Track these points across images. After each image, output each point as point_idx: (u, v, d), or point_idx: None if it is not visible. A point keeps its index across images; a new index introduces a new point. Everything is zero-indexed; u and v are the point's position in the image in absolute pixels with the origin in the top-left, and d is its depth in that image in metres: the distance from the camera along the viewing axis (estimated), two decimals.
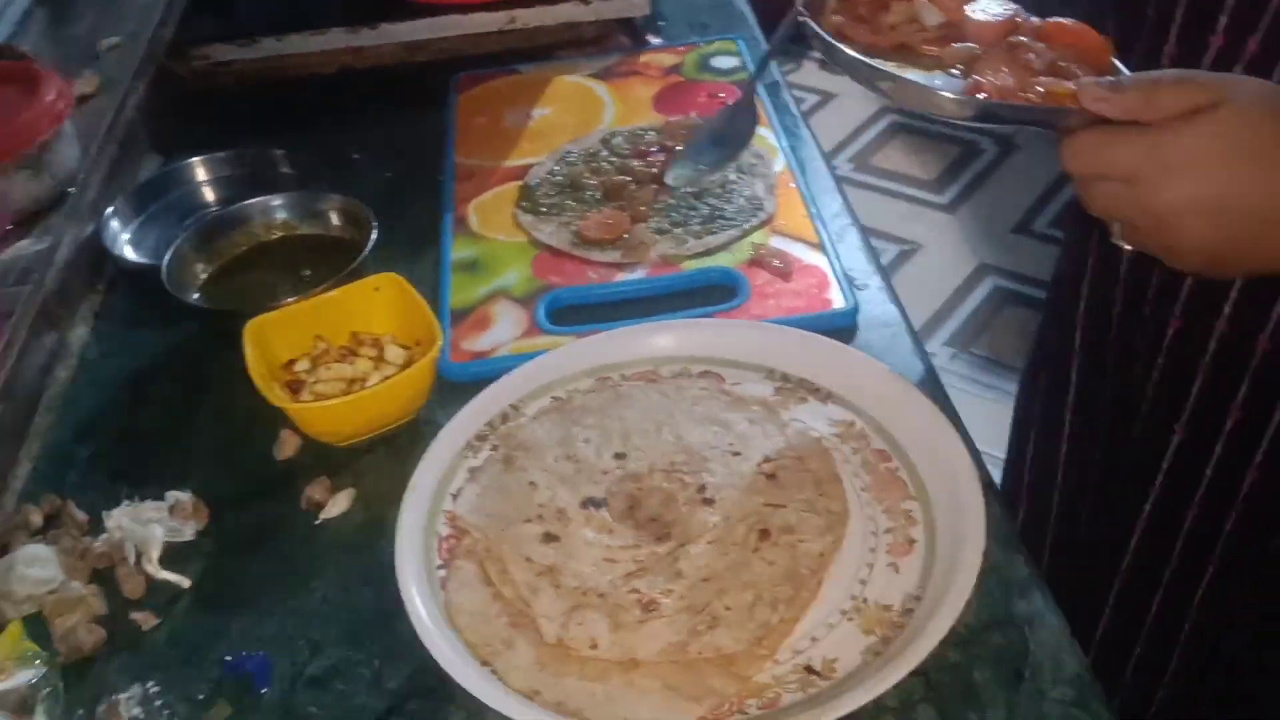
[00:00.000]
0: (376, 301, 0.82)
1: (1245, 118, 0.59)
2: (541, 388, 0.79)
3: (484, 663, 0.62)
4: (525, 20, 1.19)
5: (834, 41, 0.66)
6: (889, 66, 0.64)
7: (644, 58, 1.17)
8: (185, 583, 0.70)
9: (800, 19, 0.69)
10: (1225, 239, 0.59)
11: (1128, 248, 0.62)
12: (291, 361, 0.80)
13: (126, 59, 1.12)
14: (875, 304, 0.84)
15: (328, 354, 0.80)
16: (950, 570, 0.62)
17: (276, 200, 0.93)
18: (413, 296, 0.80)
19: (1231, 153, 0.58)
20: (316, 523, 0.73)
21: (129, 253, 0.97)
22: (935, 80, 0.64)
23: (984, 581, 0.62)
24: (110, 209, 0.98)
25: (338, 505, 0.73)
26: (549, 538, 0.67)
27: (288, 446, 0.77)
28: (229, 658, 0.65)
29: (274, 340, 0.80)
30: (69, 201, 0.96)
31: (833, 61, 0.67)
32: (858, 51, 0.65)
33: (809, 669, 0.60)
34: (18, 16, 1.19)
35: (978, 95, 0.62)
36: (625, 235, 0.91)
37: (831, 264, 0.86)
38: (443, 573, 0.67)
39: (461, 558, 0.68)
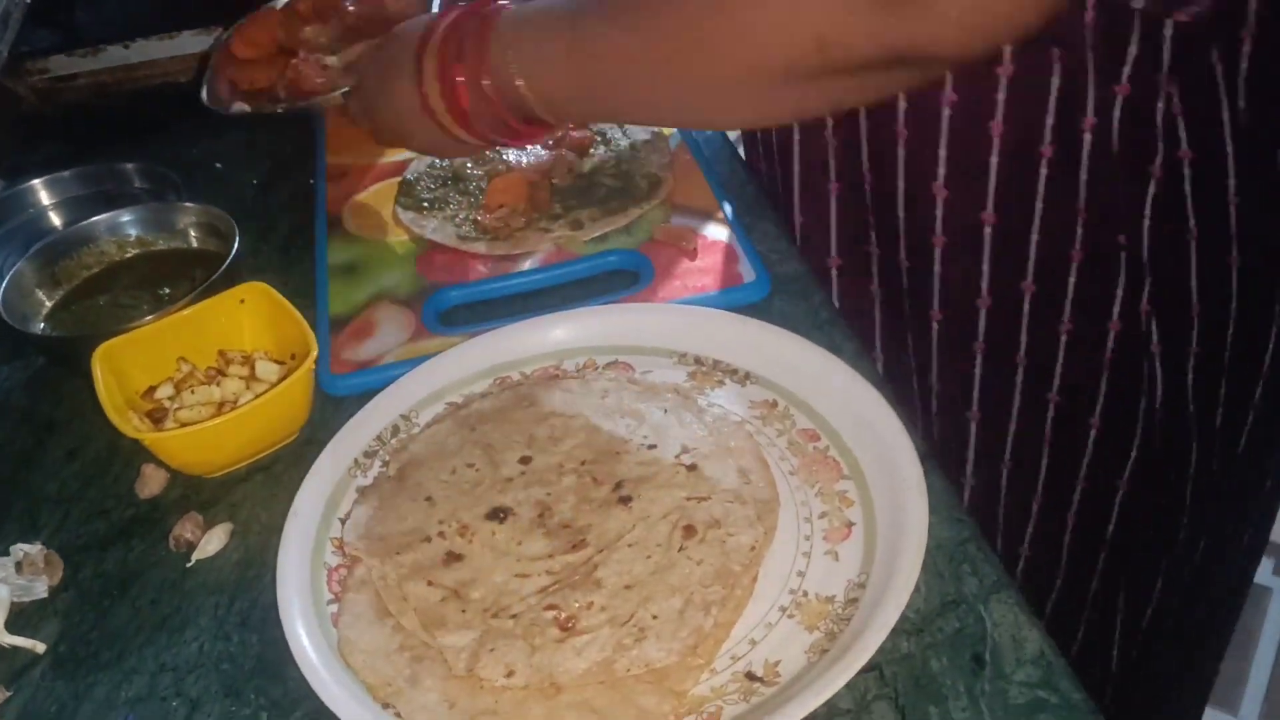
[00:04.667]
0: (243, 314, 0.74)
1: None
2: (434, 394, 0.71)
3: (385, 705, 0.54)
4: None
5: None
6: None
7: None
8: (39, 647, 0.61)
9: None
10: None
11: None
12: (152, 389, 0.72)
13: None
14: (789, 276, 0.79)
15: (192, 376, 0.72)
16: (894, 552, 0.57)
17: (126, 216, 0.85)
18: (282, 305, 0.72)
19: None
20: (189, 565, 0.64)
21: None
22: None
23: (931, 560, 0.57)
24: None
25: (212, 543, 0.65)
26: (452, 557, 0.60)
27: (151, 483, 0.69)
28: None
29: (130, 365, 0.71)
30: None
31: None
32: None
33: (750, 675, 0.54)
34: None
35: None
36: (521, 219, 0.84)
37: (739, 238, 0.81)
38: (334, 607, 0.59)
39: (354, 589, 0.60)
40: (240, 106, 0.90)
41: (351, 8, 0.94)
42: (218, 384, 0.71)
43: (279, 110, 0.90)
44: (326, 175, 0.94)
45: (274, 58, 0.94)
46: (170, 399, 0.71)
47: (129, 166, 0.95)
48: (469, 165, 0.91)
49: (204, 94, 0.91)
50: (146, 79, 1.11)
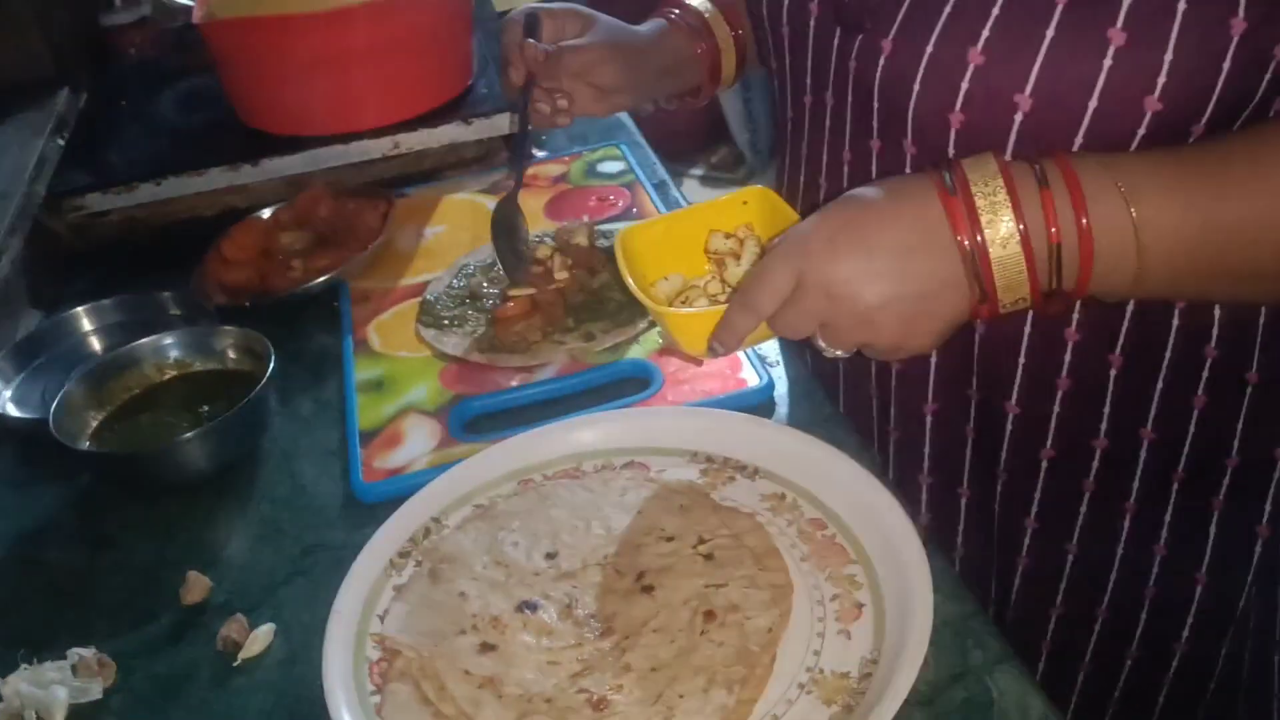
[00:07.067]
0: (745, 216, 0.76)
1: (818, 230, 0.62)
2: (462, 497, 0.76)
3: None
4: (409, 144, 1.19)
5: None
6: None
7: (530, 170, 1.18)
8: None
9: None
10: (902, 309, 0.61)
11: (839, 353, 0.65)
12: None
13: None
14: (791, 379, 0.84)
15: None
16: (902, 630, 0.61)
17: (168, 339, 0.90)
18: (783, 209, 0.73)
19: (857, 259, 0.61)
20: (235, 664, 0.68)
21: (12, 410, 0.92)
22: None
23: (938, 635, 0.61)
24: None
25: (257, 643, 0.69)
26: (486, 648, 0.64)
27: (195, 589, 0.72)
28: None
29: (642, 257, 0.74)
30: None
31: None
32: None
33: None
34: None
35: None
36: (537, 332, 0.90)
37: None
38: (376, 699, 0.63)
39: (395, 680, 0.64)
40: (219, 299, 1.01)
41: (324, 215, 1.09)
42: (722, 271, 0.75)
43: (246, 305, 0.99)
44: (351, 299, 1.00)
45: (255, 259, 1.06)
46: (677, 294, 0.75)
47: (165, 295, 1.01)
48: (485, 284, 0.97)
49: (191, 286, 1.03)
50: (176, 214, 1.17)
